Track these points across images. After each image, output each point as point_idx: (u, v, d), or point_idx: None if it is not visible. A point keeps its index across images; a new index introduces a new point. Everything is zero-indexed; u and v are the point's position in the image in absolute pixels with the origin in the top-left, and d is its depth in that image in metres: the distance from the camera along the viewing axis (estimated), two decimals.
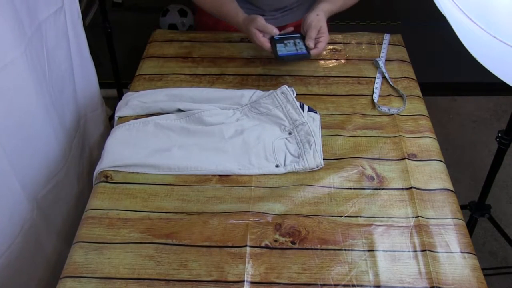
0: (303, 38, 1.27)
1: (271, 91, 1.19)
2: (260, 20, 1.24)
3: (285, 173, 1.08)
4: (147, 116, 1.20)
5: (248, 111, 1.18)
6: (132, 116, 1.21)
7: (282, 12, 1.49)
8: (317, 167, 1.08)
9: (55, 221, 1.29)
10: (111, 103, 2.00)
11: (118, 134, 1.15)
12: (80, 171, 1.42)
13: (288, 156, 1.10)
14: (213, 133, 1.14)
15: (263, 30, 1.25)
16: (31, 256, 1.18)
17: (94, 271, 0.91)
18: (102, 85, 1.58)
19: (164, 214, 1.00)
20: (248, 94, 1.21)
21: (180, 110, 1.20)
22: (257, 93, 1.22)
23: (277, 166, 1.08)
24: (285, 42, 1.27)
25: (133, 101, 1.23)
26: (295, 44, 1.26)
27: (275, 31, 1.26)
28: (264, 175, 1.07)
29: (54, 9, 1.20)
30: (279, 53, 1.24)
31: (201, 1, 1.39)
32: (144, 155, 1.10)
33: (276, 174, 1.08)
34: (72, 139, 1.35)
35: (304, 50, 1.25)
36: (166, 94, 1.24)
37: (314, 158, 1.08)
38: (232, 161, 1.09)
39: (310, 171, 1.08)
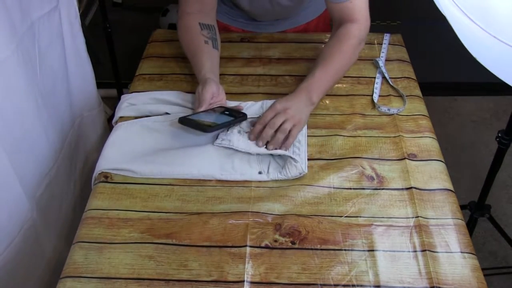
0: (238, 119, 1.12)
1: (258, 106, 1.18)
2: (206, 91, 1.11)
3: None
4: (136, 118, 1.19)
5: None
6: (130, 117, 1.20)
7: (277, 20, 1.48)
8: (299, 174, 1.06)
9: (52, 220, 1.29)
10: (111, 103, 2.01)
11: (112, 136, 1.15)
12: (73, 170, 1.42)
13: (272, 163, 1.08)
14: (198, 137, 1.12)
15: (198, 99, 1.13)
16: (30, 255, 1.18)
17: (94, 271, 0.91)
18: (102, 85, 1.58)
19: (164, 214, 1.00)
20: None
21: (167, 113, 1.19)
22: (245, 106, 1.19)
23: (260, 173, 1.07)
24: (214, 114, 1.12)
25: (124, 103, 1.23)
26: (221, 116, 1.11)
27: (202, 109, 1.11)
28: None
29: (48, 8, 1.19)
30: (187, 116, 1.10)
31: (179, 37, 1.29)
32: (129, 158, 1.09)
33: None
34: (64, 138, 1.35)
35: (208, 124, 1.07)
36: (155, 97, 1.23)
37: (296, 167, 1.05)
38: (215, 165, 1.07)
39: (310, 171, 1.07)
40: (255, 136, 1.09)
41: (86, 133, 1.52)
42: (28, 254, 1.17)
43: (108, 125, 1.66)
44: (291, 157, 1.05)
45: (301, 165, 1.05)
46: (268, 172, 1.07)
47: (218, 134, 1.12)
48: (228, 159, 1.08)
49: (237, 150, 1.09)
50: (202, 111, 1.10)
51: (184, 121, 1.08)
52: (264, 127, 1.09)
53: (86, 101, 1.49)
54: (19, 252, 1.13)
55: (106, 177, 1.07)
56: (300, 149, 1.10)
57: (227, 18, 1.47)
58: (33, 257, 1.20)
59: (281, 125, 1.08)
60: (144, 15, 3.12)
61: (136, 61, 1.40)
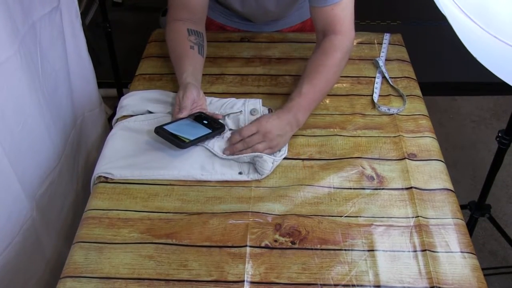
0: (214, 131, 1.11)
1: (240, 104, 1.18)
2: (186, 97, 1.11)
3: (285, 173, 1.08)
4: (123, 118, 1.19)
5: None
6: (126, 116, 1.20)
7: (273, 21, 1.48)
8: (272, 163, 1.06)
9: (53, 220, 1.29)
10: (111, 103, 2.01)
11: (107, 138, 1.15)
12: (76, 169, 1.42)
13: (252, 164, 1.08)
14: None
15: (179, 104, 1.12)
16: (30, 255, 1.18)
17: (94, 271, 0.91)
18: (102, 84, 1.58)
19: (164, 214, 1.00)
20: (217, 104, 1.20)
21: (150, 112, 1.19)
22: (228, 103, 1.19)
23: (240, 173, 1.07)
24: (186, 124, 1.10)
25: (121, 103, 1.23)
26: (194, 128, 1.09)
27: (183, 115, 1.10)
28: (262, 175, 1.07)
29: (49, 8, 1.20)
30: (164, 126, 1.07)
31: (166, 41, 1.28)
32: (112, 161, 1.09)
33: (271, 174, 1.07)
34: (66, 138, 1.35)
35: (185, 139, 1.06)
36: (141, 97, 1.23)
37: (266, 160, 1.05)
38: (195, 166, 1.07)
39: (310, 171, 1.08)
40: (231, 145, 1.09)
41: (87, 133, 1.52)
42: (28, 254, 1.17)
43: (109, 124, 1.66)
44: (256, 156, 1.06)
45: (268, 156, 1.05)
46: (248, 172, 1.07)
47: None
48: (209, 160, 1.08)
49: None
50: (180, 118, 1.10)
51: (160, 132, 1.06)
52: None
53: (87, 101, 1.49)
54: (20, 251, 1.13)
55: (106, 177, 1.07)
56: (281, 148, 1.10)
57: (222, 17, 1.48)
58: (34, 257, 1.20)
59: (256, 143, 1.07)
60: (144, 15, 3.12)
61: (136, 61, 1.40)
